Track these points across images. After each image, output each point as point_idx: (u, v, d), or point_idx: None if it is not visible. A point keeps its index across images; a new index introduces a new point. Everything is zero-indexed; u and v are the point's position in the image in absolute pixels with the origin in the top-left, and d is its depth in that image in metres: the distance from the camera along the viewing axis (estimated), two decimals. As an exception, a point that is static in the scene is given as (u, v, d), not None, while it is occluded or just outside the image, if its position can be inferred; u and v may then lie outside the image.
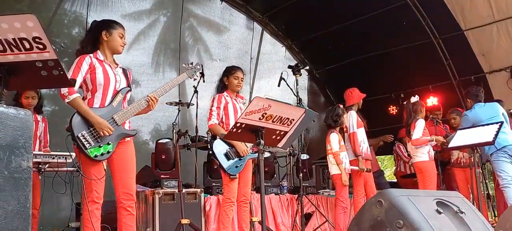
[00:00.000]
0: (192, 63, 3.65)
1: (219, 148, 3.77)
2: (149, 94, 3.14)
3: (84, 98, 3.01)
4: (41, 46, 1.85)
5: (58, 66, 1.90)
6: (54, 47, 1.90)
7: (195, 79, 3.76)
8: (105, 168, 3.01)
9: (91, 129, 2.90)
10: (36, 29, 1.81)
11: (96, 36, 3.12)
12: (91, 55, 3.04)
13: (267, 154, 5.64)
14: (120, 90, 3.09)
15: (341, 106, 5.22)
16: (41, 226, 4.68)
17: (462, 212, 2.33)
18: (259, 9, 8.35)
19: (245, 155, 3.83)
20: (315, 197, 5.76)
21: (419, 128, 5.33)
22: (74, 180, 4.03)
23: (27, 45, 1.84)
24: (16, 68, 1.88)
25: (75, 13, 6.52)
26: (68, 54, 6.49)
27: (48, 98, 6.17)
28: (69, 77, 2.83)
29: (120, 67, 3.21)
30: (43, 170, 3.83)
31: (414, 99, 5.58)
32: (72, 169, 3.97)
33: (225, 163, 3.75)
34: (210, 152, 3.90)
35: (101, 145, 2.92)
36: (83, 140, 2.86)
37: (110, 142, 2.96)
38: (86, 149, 2.86)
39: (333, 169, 5.00)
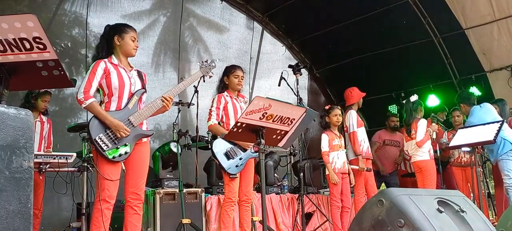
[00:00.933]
0: (206, 61, 3.70)
1: (219, 147, 3.76)
2: (164, 94, 3.20)
3: (101, 102, 3.09)
4: (41, 46, 1.85)
5: (58, 66, 1.91)
6: (55, 49, 1.90)
7: (210, 77, 3.77)
8: (124, 168, 3.07)
9: (108, 131, 2.97)
10: (36, 29, 1.81)
11: (109, 41, 3.18)
12: (106, 60, 3.12)
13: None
14: (135, 92, 3.15)
15: (326, 107, 5.24)
16: (42, 226, 4.68)
17: (463, 211, 2.33)
18: (259, 8, 8.33)
19: (249, 147, 3.82)
20: (316, 197, 5.75)
21: (422, 128, 5.32)
22: (75, 180, 4.03)
23: (28, 45, 1.84)
24: (16, 68, 1.88)
25: (75, 13, 6.52)
26: (69, 55, 6.51)
27: (48, 99, 6.18)
28: (85, 83, 2.95)
29: (135, 70, 3.27)
30: (44, 170, 3.84)
31: (413, 98, 5.57)
32: (73, 169, 3.98)
33: (225, 163, 3.74)
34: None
35: (119, 146, 2.99)
36: (101, 143, 2.93)
37: (127, 143, 3.03)
38: (104, 151, 2.94)
39: (327, 169, 5.03)
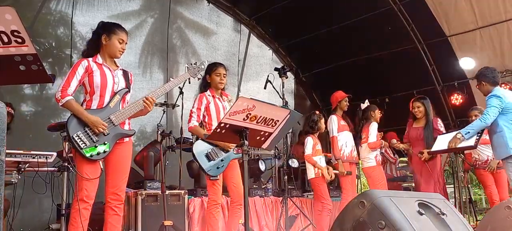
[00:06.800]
0: (196, 63, 3.65)
1: (200, 148, 3.68)
2: (147, 95, 3.14)
3: (84, 101, 3.05)
4: (19, 40, 1.81)
5: (37, 61, 1.86)
6: (36, 47, 1.86)
7: (199, 79, 3.72)
8: (102, 167, 3.03)
9: (87, 129, 2.93)
10: (14, 23, 1.77)
11: (98, 39, 3.14)
12: (90, 59, 3.09)
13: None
14: (118, 91, 3.11)
15: (317, 112, 5.28)
16: (21, 227, 4.59)
17: (443, 214, 2.35)
18: (246, 11, 8.36)
19: (230, 149, 3.77)
20: (300, 200, 5.76)
21: (374, 131, 5.39)
22: (54, 180, 3.96)
23: (5, 39, 1.80)
24: (-6, 62, 1.84)
25: (60, 12, 6.44)
26: (53, 54, 6.42)
27: (31, 99, 6.09)
28: (63, 81, 2.91)
29: (120, 69, 3.22)
30: (23, 169, 3.75)
31: (364, 105, 5.64)
32: (53, 169, 3.90)
33: (205, 164, 3.64)
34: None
35: (97, 145, 2.94)
36: (78, 141, 2.89)
37: (106, 142, 2.98)
38: (82, 149, 2.89)
39: (310, 173, 5.03)
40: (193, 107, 3.83)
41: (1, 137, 1.21)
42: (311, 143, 5.04)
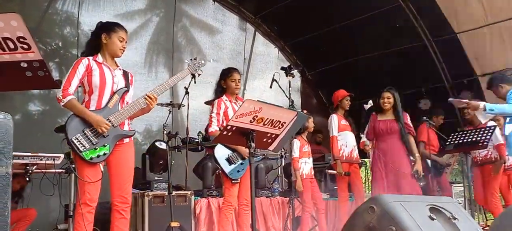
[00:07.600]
0: (196, 58, 3.62)
1: (221, 152, 3.72)
2: (148, 92, 3.10)
3: (83, 102, 3.01)
4: (25, 46, 1.79)
5: (43, 67, 1.85)
6: (43, 47, 1.85)
7: (199, 75, 3.70)
8: (102, 170, 2.98)
9: (86, 131, 2.89)
10: (20, 29, 1.75)
11: (98, 39, 3.11)
12: (90, 58, 3.05)
13: None
14: (117, 91, 3.07)
15: (305, 111, 5.26)
16: (29, 227, 4.61)
17: (455, 218, 2.31)
18: (251, 9, 8.32)
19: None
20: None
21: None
22: (62, 181, 3.96)
23: (12, 45, 1.79)
24: (0, 69, 1.83)
25: (66, 12, 6.45)
26: (59, 55, 6.43)
27: (39, 98, 6.11)
28: (64, 80, 2.88)
29: (120, 69, 3.19)
30: (30, 171, 3.76)
31: (367, 106, 5.59)
32: (61, 170, 3.91)
33: (227, 167, 3.71)
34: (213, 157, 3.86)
35: (97, 147, 2.90)
36: (77, 143, 2.85)
37: (106, 144, 2.94)
38: (81, 152, 2.85)
39: (293, 176, 5.04)
40: (212, 112, 3.86)
41: (8, 149, 1.19)
42: (297, 145, 5.03)
